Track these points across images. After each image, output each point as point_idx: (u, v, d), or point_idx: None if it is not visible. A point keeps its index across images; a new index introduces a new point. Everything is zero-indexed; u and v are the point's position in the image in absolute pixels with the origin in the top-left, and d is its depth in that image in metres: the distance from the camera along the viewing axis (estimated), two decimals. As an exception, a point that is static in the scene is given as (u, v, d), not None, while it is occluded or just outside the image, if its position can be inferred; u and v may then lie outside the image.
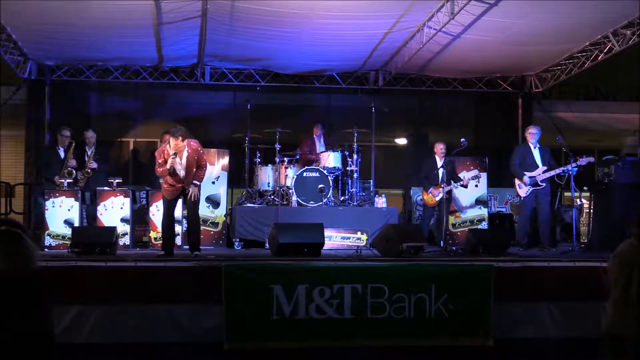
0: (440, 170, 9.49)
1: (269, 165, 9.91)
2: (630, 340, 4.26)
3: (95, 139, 9.65)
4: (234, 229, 9.38)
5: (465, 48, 9.91)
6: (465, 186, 9.53)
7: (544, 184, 8.92)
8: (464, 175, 9.60)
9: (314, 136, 10.62)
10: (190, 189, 7.60)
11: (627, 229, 4.55)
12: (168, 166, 7.44)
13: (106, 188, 8.97)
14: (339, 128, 10.70)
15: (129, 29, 9.17)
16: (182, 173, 7.54)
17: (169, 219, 7.74)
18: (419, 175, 9.87)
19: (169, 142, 7.51)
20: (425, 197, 9.61)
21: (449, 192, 9.43)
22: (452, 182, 9.32)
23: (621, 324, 4.32)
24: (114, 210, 8.77)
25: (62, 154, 9.30)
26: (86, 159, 9.35)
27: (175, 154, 7.41)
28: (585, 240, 9.88)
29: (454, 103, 12.68)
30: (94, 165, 9.39)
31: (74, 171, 9.08)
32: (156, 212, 8.86)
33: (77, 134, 9.79)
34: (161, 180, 7.78)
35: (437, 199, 9.42)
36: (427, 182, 9.55)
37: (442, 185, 9.37)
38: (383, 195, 10.33)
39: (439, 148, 9.65)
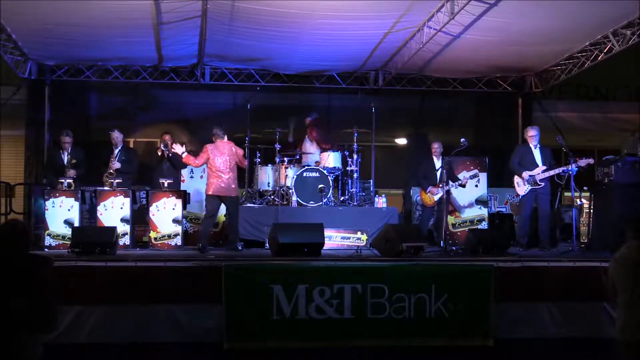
0: (439, 170, 9.50)
1: (269, 165, 9.91)
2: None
3: (122, 139, 9.62)
4: (234, 229, 9.37)
5: (465, 48, 9.91)
6: (464, 186, 9.49)
7: (543, 184, 8.92)
8: (464, 174, 9.60)
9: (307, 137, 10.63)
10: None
11: (624, 231, 4.55)
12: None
13: (106, 188, 8.97)
14: (337, 127, 10.67)
15: (129, 29, 9.17)
16: None
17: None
18: (417, 176, 9.85)
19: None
20: (423, 197, 9.59)
21: (447, 192, 9.44)
22: (451, 182, 9.31)
23: (633, 327, 4.28)
24: (114, 210, 8.76)
25: (64, 159, 9.32)
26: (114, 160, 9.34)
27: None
28: (585, 240, 9.87)
29: (454, 103, 12.67)
30: (117, 165, 9.32)
31: (72, 183, 8.98)
32: (156, 212, 8.85)
33: (77, 135, 9.78)
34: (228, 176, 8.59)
35: (436, 198, 9.41)
36: (426, 182, 9.54)
37: (440, 185, 9.37)
38: (383, 195, 10.33)
39: (435, 147, 9.71)
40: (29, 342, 3.95)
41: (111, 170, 9.24)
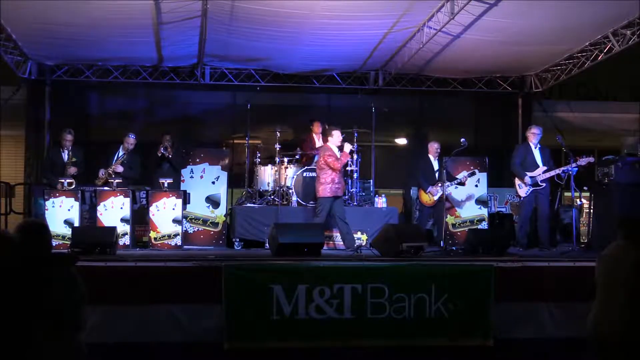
0: (437, 170, 9.60)
1: (269, 165, 9.92)
2: (614, 340, 4.26)
3: (134, 145, 9.44)
4: (234, 229, 9.38)
5: (465, 48, 9.91)
6: (463, 184, 9.55)
7: (544, 184, 8.94)
8: (463, 173, 9.61)
9: (314, 134, 10.62)
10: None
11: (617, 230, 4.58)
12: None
13: (106, 188, 8.97)
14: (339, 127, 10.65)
15: (129, 29, 9.17)
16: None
17: None
18: (416, 176, 9.89)
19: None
20: (423, 197, 9.65)
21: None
22: (448, 182, 9.36)
23: (605, 323, 4.32)
24: (114, 210, 8.76)
25: (65, 157, 9.30)
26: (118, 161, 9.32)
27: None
28: (585, 240, 9.88)
29: (454, 103, 12.67)
30: (120, 169, 9.25)
31: (74, 181, 8.97)
32: (156, 212, 8.86)
33: (78, 135, 9.77)
34: (323, 177, 8.71)
35: (436, 197, 9.52)
36: (425, 182, 9.60)
37: (439, 185, 9.44)
38: (383, 195, 10.33)
39: (434, 147, 9.77)
40: (61, 342, 3.90)
41: (110, 171, 9.22)
